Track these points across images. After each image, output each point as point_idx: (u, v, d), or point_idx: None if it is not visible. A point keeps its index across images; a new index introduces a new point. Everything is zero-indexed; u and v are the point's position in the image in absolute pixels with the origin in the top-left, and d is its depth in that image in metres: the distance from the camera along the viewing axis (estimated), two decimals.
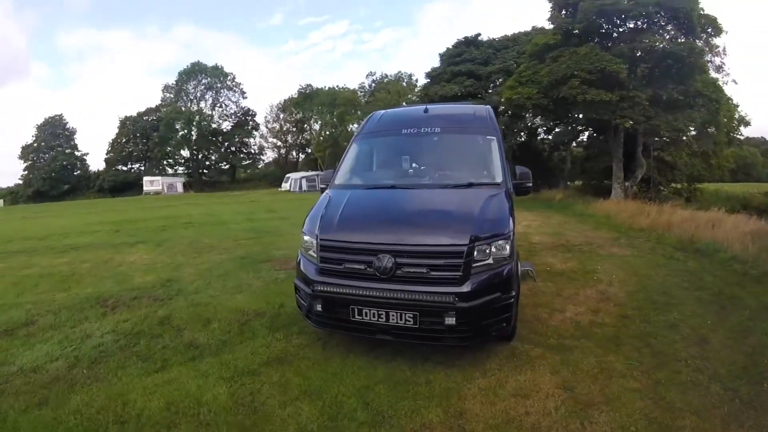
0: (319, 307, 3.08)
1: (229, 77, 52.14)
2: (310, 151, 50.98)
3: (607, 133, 17.58)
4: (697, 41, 14.15)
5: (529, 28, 25.02)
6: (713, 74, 15.10)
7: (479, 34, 25.97)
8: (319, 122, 48.28)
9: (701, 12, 14.05)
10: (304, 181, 36.70)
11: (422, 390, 2.84)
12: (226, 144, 52.72)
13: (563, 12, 16.81)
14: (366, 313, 2.93)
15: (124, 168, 54.00)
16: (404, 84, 41.47)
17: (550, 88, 15.91)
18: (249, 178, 51.91)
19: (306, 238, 3.40)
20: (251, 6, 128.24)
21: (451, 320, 2.78)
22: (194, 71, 51.21)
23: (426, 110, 4.75)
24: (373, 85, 44.56)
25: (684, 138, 16.89)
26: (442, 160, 4.24)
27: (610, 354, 3.36)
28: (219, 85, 51.95)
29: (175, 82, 52.33)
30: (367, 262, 2.93)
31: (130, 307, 4.67)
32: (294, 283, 3.50)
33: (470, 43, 25.72)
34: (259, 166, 55.24)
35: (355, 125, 42.75)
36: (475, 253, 2.89)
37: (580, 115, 18.49)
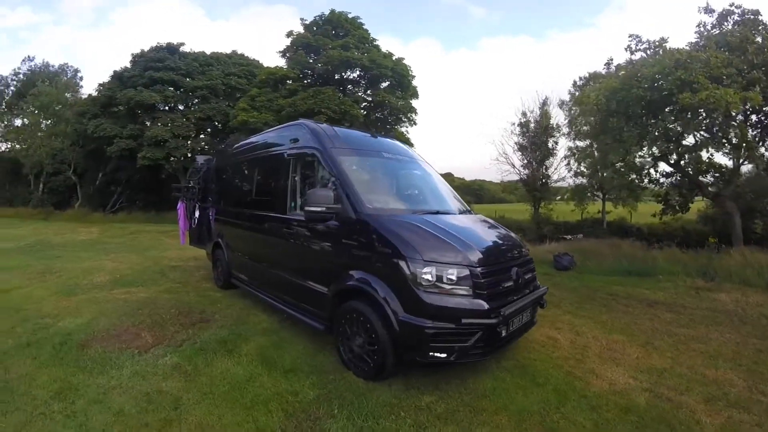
0: (504, 332, 3.11)
1: None
2: None
3: None
4: (407, 101, 19.92)
5: (228, 51, 25.37)
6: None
7: (183, 44, 24.03)
8: None
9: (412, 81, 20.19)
10: None
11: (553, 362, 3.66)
12: None
13: (300, 50, 18.52)
14: (515, 322, 3.27)
15: None
16: (66, 79, 29.88)
17: (289, 118, 17.06)
18: None
19: (447, 270, 3.00)
20: None
21: (544, 304, 3.81)
22: None
23: (375, 136, 4.99)
24: (29, 72, 29.65)
25: None
26: (428, 188, 4.59)
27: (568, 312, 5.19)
28: None
29: None
30: (512, 279, 3.34)
31: None
32: (434, 331, 2.92)
33: (173, 51, 23.37)
34: None
35: None
36: None
37: None
